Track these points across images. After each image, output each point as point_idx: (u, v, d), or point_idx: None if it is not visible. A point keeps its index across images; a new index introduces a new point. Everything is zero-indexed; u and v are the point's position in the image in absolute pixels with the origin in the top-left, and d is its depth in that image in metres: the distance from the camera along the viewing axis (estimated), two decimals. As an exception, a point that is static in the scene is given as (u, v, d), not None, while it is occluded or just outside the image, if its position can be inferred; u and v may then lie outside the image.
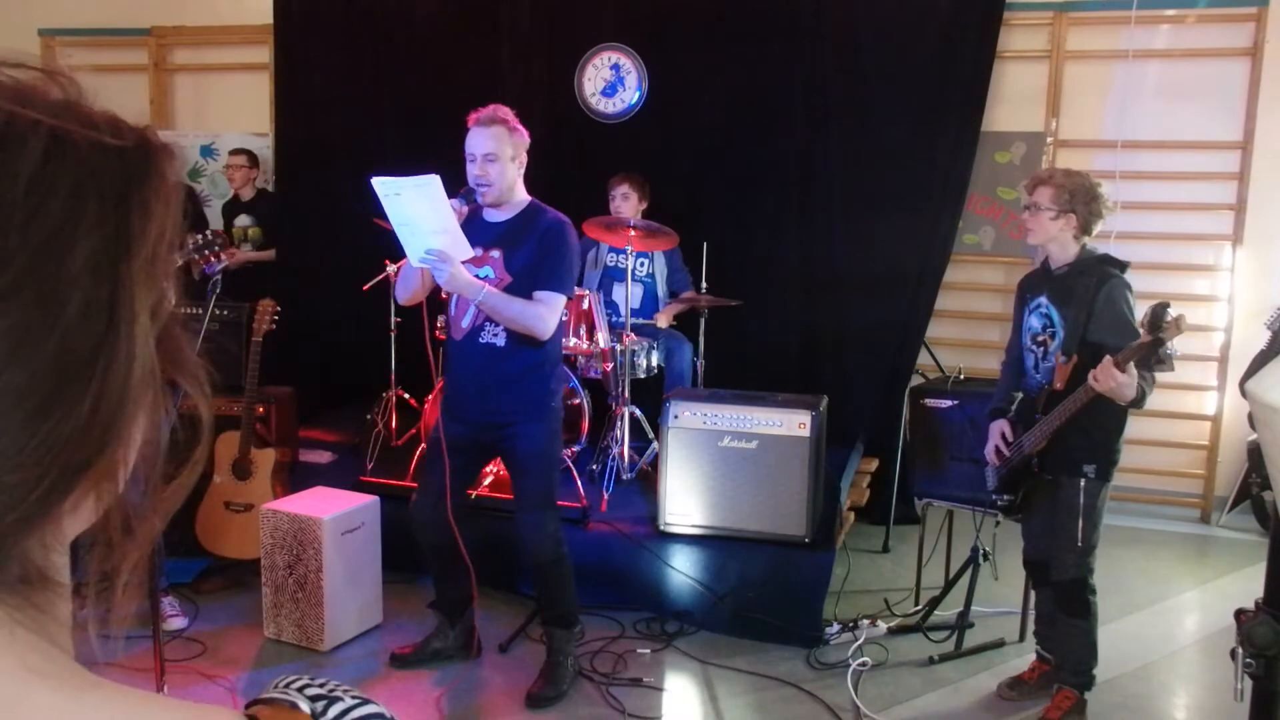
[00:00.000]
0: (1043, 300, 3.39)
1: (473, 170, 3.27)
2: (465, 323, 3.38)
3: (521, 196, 3.39)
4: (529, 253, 3.30)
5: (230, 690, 3.51)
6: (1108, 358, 3.03)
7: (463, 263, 3.23)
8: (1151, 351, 2.95)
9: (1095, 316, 3.21)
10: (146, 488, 0.54)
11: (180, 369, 0.54)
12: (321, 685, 0.62)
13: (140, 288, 0.50)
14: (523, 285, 3.29)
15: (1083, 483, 3.28)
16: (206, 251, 3.48)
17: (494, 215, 3.38)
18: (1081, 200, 3.26)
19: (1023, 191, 3.40)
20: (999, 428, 3.51)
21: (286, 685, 0.62)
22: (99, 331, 0.49)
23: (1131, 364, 3.00)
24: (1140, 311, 3.10)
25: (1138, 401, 3.08)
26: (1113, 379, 3.00)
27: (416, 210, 3.10)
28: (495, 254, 3.35)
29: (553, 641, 3.59)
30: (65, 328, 0.47)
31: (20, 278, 0.46)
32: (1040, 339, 3.39)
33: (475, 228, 3.32)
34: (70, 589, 0.53)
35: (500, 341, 3.33)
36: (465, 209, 3.27)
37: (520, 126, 3.32)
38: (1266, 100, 5.28)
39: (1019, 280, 3.61)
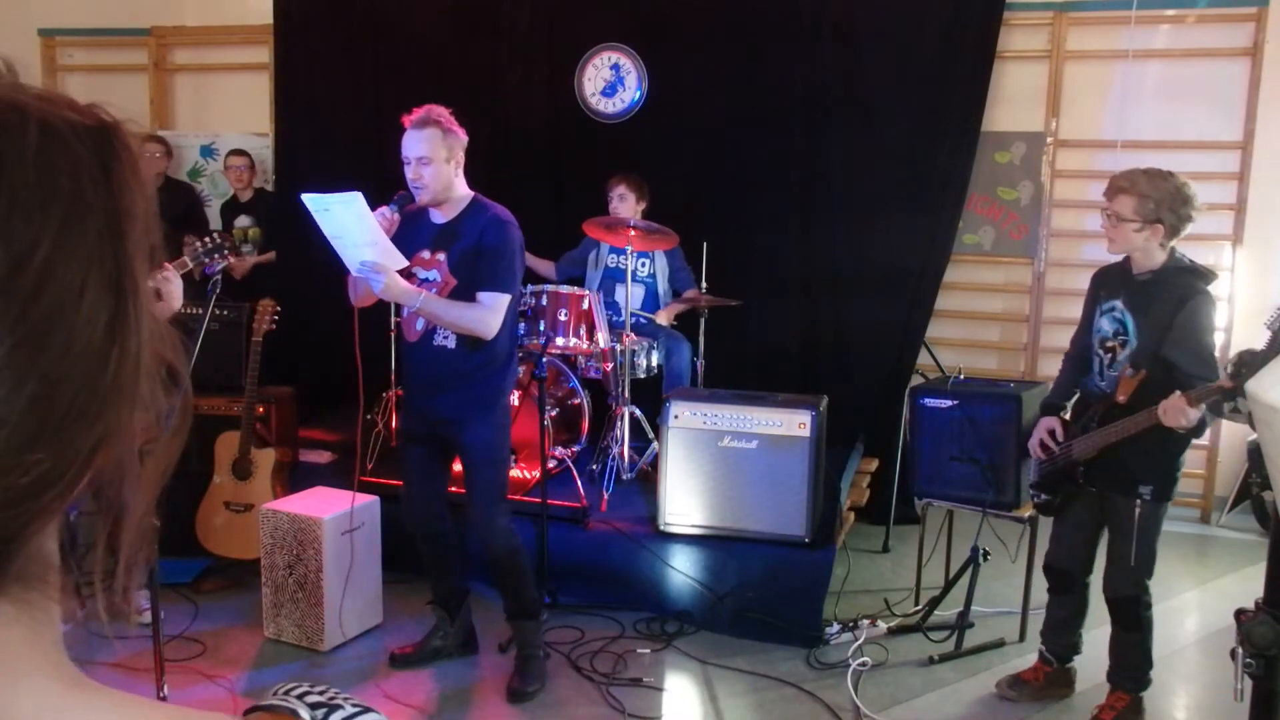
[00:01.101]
0: (1118, 304, 3.23)
1: (408, 173, 3.29)
2: (419, 326, 3.42)
3: (462, 194, 3.38)
4: (469, 253, 3.31)
5: (230, 690, 3.51)
6: (1178, 394, 2.91)
7: (415, 263, 3.30)
8: (1228, 398, 2.84)
9: (1174, 333, 3.06)
10: (142, 456, 0.55)
11: (161, 340, 0.54)
12: (321, 693, 0.62)
13: (138, 260, 0.51)
14: (466, 287, 3.31)
15: (1138, 504, 3.18)
16: (215, 255, 3.49)
17: (438, 216, 3.39)
18: (1169, 207, 3.07)
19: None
20: (1048, 424, 3.43)
21: (287, 692, 0.62)
22: (112, 306, 0.49)
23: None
24: (1219, 334, 2.96)
25: (1197, 431, 2.97)
26: (1183, 416, 2.89)
27: (346, 224, 3.15)
28: (440, 256, 3.37)
29: (523, 635, 3.61)
30: (88, 306, 0.48)
31: (49, 262, 0.47)
32: (1110, 345, 3.25)
33: (421, 229, 3.37)
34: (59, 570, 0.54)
35: (451, 344, 3.37)
36: (397, 216, 3.31)
37: (456, 127, 3.31)
38: (1266, 100, 5.28)
39: (1095, 272, 3.43)
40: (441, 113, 3.30)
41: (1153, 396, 3.04)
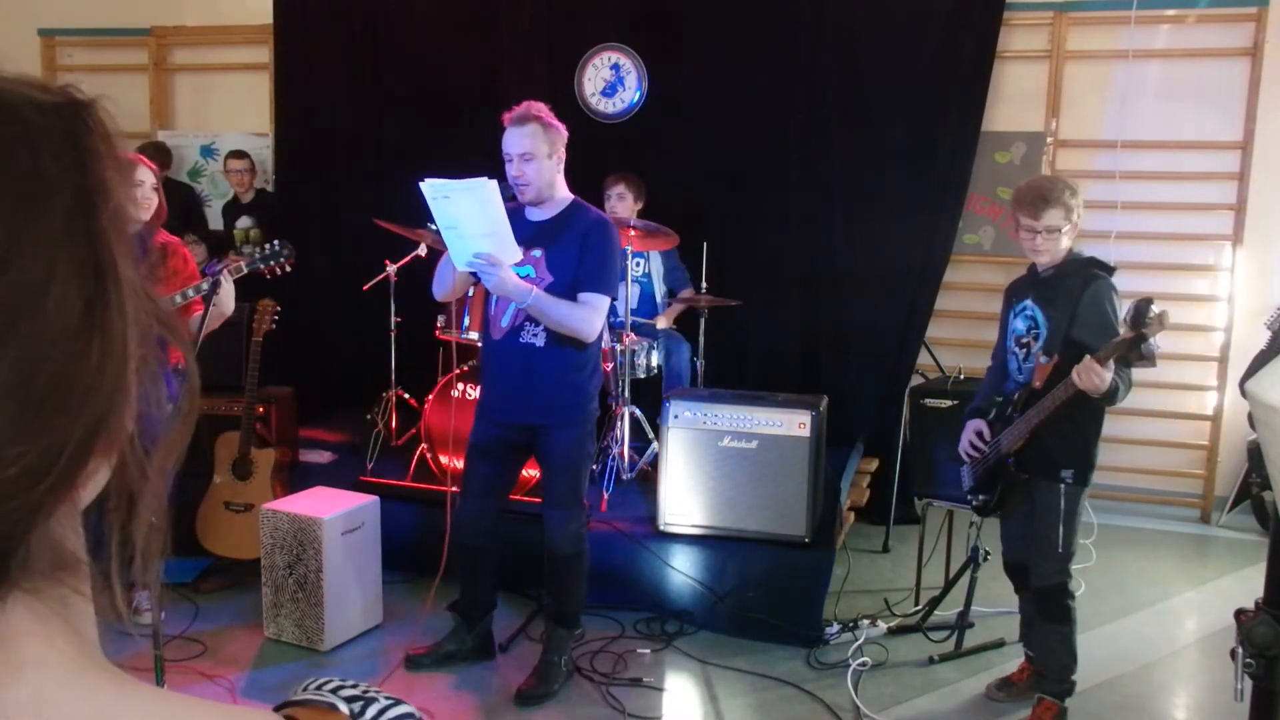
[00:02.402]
0: (1028, 303, 3.36)
1: (510, 170, 3.28)
2: (505, 322, 3.39)
3: (563, 194, 3.38)
4: (571, 252, 3.29)
5: (230, 690, 3.51)
6: (1088, 356, 2.99)
7: None
8: (1133, 347, 2.93)
9: (1079, 316, 3.19)
10: (154, 439, 0.53)
11: (159, 320, 0.53)
12: (354, 686, 0.61)
13: (115, 240, 0.49)
14: (564, 285, 3.29)
15: (1062, 488, 3.24)
16: (272, 262, 3.52)
17: (535, 213, 3.38)
18: (1078, 207, 3.24)
19: (1018, 216, 3.26)
20: (974, 426, 3.49)
21: (319, 687, 0.61)
22: (89, 289, 0.48)
23: (1111, 360, 2.97)
24: (1125, 311, 3.09)
25: (1111, 397, 3.04)
26: (1095, 375, 2.97)
27: (465, 213, 3.10)
28: (536, 253, 3.35)
29: (550, 640, 3.59)
30: (60, 290, 0.46)
31: (7, 245, 0.45)
32: (1024, 341, 3.36)
33: (516, 225, 3.32)
34: (88, 567, 0.52)
35: (539, 342, 3.33)
36: None
37: (556, 122, 3.31)
38: (1266, 100, 5.28)
39: (1007, 286, 3.57)
40: (541, 108, 3.30)
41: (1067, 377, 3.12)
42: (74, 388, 0.47)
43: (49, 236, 0.47)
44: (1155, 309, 2.94)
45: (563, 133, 3.32)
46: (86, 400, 0.48)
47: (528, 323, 3.34)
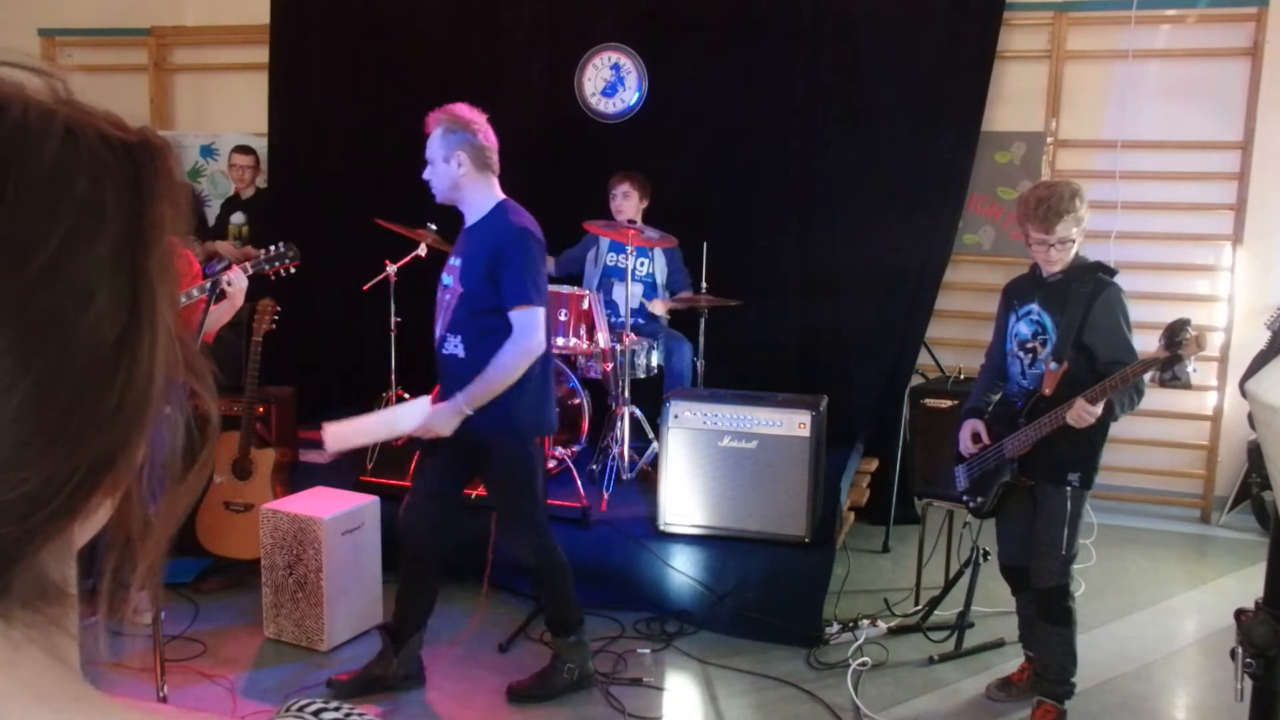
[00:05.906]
0: (1034, 307, 3.33)
1: None
2: (437, 332, 3.32)
3: (483, 199, 3.24)
4: (479, 265, 3.17)
5: (230, 690, 3.51)
6: (1079, 398, 3.02)
7: (447, 269, 3.29)
8: (1166, 367, 2.92)
9: (1090, 322, 3.18)
10: (163, 486, 0.53)
11: (188, 366, 0.53)
12: (337, 709, 0.60)
13: (158, 280, 0.50)
14: (470, 296, 3.18)
15: (1069, 490, 3.24)
16: (277, 263, 3.54)
17: (467, 220, 3.30)
18: (1086, 212, 3.22)
19: (1027, 229, 3.22)
20: (971, 426, 3.48)
21: (301, 708, 0.60)
22: (123, 321, 0.48)
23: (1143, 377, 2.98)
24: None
25: (1113, 415, 3.08)
26: (1087, 414, 3.02)
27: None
28: (456, 261, 3.26)
29: (554, 646, 3.58)
30: (95, 316, 0.47)
31: (53, 263, 0.46)
32: (1030, 345, 3.34)
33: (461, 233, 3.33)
34: (76, 601, 0.52)
35: (460, 353, 3.22)
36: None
37: (461, 127, 3.18)
38: (1266, 100, 5.28)
39: (1004, 286, 3.55)
40: (449, 111, 3.22)
41: (1076, 387, 3.12)
42: (90, 419, 0.47)
43: (95, 264, 0.47)
44: (1191, 331, 2.91)
45: (467, 136, 3.17)
46: (100, 434, 0.47)
47: (449, 334, 3.24)
